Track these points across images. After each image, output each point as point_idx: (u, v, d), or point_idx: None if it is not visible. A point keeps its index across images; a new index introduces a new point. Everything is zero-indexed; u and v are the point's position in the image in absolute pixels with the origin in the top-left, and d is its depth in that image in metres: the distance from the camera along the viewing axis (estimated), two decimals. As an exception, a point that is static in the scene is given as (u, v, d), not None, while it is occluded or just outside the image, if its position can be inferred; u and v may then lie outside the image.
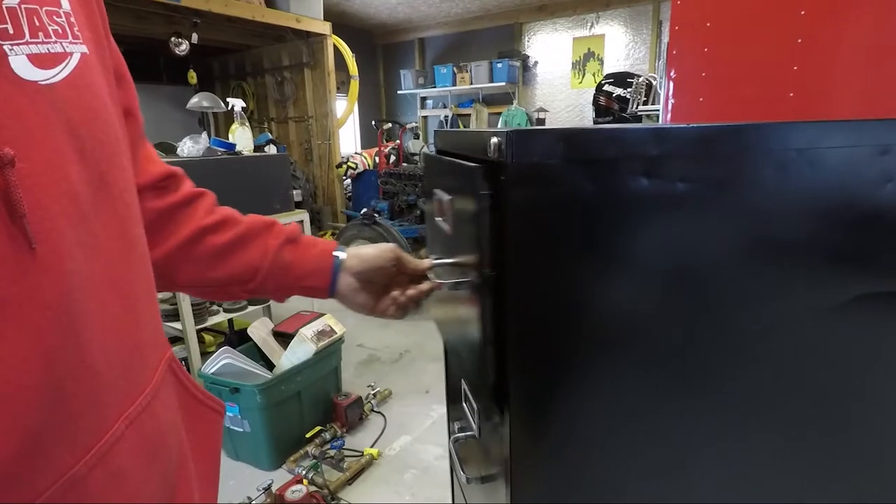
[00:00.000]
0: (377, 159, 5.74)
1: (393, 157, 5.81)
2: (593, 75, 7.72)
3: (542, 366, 0.57)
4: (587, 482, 0.63)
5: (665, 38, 7.25)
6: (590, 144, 0.53)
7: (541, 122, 7.28)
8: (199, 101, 2.61)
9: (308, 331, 2.16)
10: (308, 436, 2.13)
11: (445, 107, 9.20)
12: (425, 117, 9.50)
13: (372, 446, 2.14)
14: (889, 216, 0.65)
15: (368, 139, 8.99)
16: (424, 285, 0.70)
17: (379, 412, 2.40)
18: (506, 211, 0.52)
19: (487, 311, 0.57)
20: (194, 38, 4.07)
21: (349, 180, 6.07)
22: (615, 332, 0.59)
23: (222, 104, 2.56)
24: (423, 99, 9.45)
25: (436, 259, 0.72)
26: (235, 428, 2.03)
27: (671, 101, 2.75)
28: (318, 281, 0.66)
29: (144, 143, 0.58)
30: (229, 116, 6.14)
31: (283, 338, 2.37)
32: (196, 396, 0.53)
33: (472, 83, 8.38)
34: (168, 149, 4.11)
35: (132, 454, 0.40)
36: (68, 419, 0.35)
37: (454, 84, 8.62)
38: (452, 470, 1.03)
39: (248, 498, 1.79)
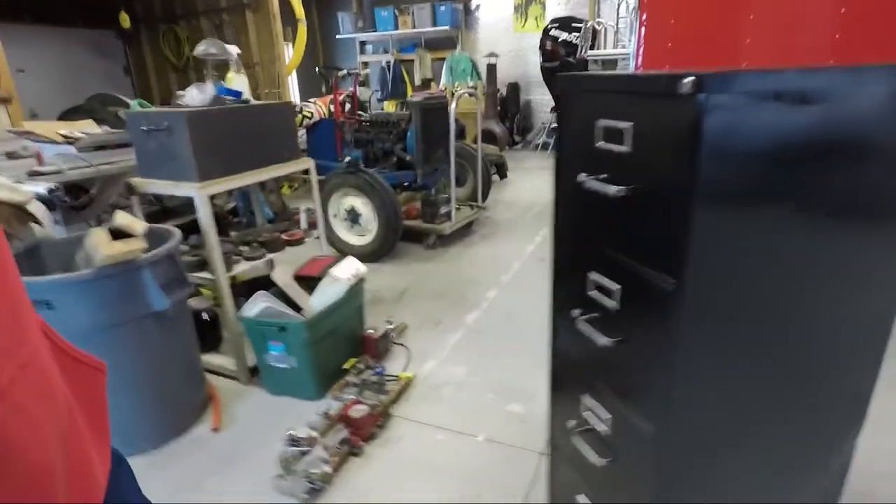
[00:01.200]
0: (332, 108, 5.64)
1: (348, 105, 5.72)
2: (535, 19, 7.86)
3: (713, 258, 0.81)
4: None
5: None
6: (753, 82, 0.75)
7: (492, 67, 7.37)
8: (205, 48, 2.50)
9: (338, 271, 2.29)
10: (345, 367, 2.31)
11: (387, 52, 8.99)
12: (365, 63, 9.23)
13: (403, 372, 2.36)
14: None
15: (308, 88, 8.64)
16: None
17: (399, 343, 2.60)
18: (701, 129, 0.73)
19: (670, 208, 0.80)
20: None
21: (303, 130, 5.93)
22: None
23: (229, 52, 2.48)
24: (363, 44, 9.16)
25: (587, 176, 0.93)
26: (280, 365, 2.17)
27: (642, 46, 2.99)
28: None
29: None
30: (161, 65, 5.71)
31: (306, 281, 2.48)
32: (74, 357, 0.57)
33: (414, 27, 8.24)
34: (116, 102, 3.84)
35: (28, 393, 0.45)
36: None
37: (396, 28, 8.43)
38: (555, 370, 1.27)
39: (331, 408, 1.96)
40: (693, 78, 0.72)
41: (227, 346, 2.46)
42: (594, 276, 1.04)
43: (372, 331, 2.45)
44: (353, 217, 3.64)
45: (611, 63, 5.88)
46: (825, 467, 1.28)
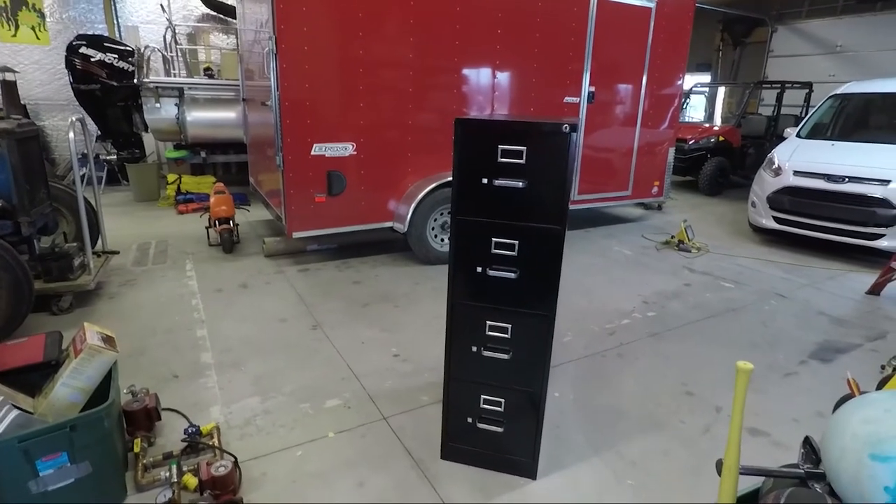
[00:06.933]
0: None
1: None
2: (34, 30, 6.53)
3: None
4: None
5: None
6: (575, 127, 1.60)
7: (10, 85, 5.67)
8: None
9: (94, 341, 1.79)
10: (136, 450, 1.86)
11: None
12: None
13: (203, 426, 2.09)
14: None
15: None
16: None
17: (167, 409, 2.20)
18: (568, 145, 1.53)
19: (561, 171, 1.57)
20: None
21: None
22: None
23: None
24: None
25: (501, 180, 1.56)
26: (59, 485, 1.56)
27: (281, 81, 3.47)
28: None
29: None
30: None
31: (16, 375, 1.79)
32: None
33: None
34: None
35: None
36: None
37: None
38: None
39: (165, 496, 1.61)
40: (567, 124, 1.51)
41: None
42: (497, 239, 1.68)
43: (137, 402, 2.02)
44: (-64, 296, 2.44)
45: (170, 89, 5.74)
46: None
